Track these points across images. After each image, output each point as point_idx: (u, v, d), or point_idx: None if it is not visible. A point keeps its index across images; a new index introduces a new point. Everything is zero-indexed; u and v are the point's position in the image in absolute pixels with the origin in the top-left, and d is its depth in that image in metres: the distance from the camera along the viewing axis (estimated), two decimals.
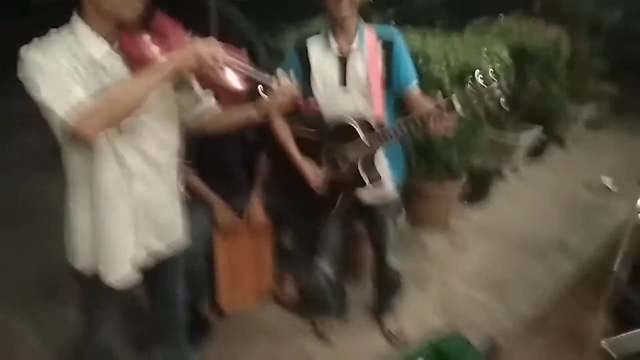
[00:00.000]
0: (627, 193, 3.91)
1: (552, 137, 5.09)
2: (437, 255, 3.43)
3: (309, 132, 2.24)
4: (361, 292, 2.89)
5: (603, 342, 2.47)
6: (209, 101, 1.74)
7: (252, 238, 2.70)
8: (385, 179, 2.21)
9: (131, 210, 1.60)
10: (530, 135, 4.52)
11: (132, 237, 1.63)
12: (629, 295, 2.66)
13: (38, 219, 3.43)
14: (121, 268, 1.62)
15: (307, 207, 2.38)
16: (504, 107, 1.77)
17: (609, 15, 5.26)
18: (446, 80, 2.83)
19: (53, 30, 1.44)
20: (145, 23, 1.52)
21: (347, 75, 2.09)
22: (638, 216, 2.70)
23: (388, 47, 2.08)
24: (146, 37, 1.50)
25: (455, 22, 4.00)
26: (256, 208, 2.63)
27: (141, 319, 2.06)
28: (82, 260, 1.63)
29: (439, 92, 1.87)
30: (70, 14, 1.45)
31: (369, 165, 2.13)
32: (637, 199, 2.75)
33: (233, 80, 1.56)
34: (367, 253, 2.68)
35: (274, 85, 1.66)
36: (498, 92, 1.75)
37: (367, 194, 2.25)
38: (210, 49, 1.44)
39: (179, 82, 1.61)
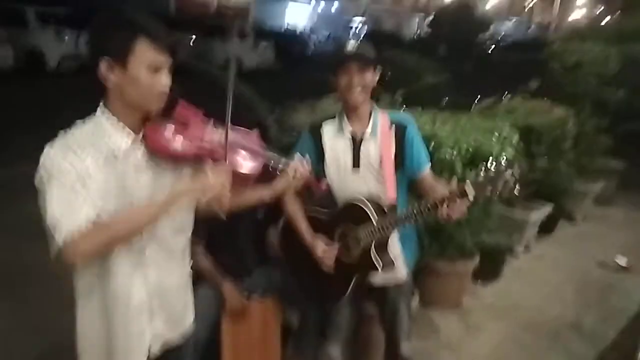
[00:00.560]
0: None
1: (562, 213, 5.09)
2: (450, 337, 3.33)
3: (322, 212, 2.25)
4: None
5: None
6: None
7: (259, 320, 2.63)
8: (397, 262, 2.19)
9: (146, 299, 1.58)
10: (540, 213, 4.51)
11: (148, 327, 1.59)
12: None
13: (37, 288, 3.38)
14: None
15: (318, 289, 2.34)
16: (517, 194, 1.78)
17: (612, 93, 5.41)
18: (458, 165, 2.86)
19: (78, 121, 1.48)
20: (168, 111, 1.57)
21: (360, 158, 2.12)
22: None
23: (401, 132, 2.11)
24: (170, 128, 1.52)
25: (461, 102, 4.12)
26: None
27: None
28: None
29: (454, 178, 1.88)
30: (85, 80, 1.49)
31: (382, 249, 2.11)
32: None
33: (246, 165, 1.59)
34: (379, 335, 2.60)
35: (287, 169, 1.69)
36: (512, 180, 1.76)
37: (378, 276, 2.21)
38: (219, 178, 1.46)
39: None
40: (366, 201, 2.07)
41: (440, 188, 1.95)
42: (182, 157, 1.52)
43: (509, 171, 1.76)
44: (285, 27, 30.49)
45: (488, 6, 39.33)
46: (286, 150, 2.72)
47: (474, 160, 2.87)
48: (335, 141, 2.16)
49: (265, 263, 2.70)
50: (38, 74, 12.55)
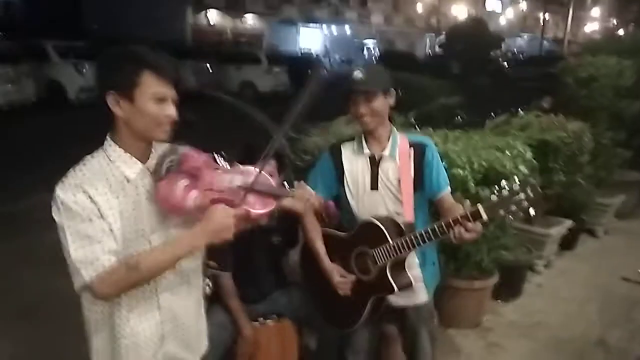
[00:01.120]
0: None
1: (584, 228, 5.01)
2: (471, 357, 3.28)
3: (340, 234, 2.26)
4: None
5: None
6: None
7: (276, 343, 2.58)
8: (416, 284, 2.17)
9: (159, 323, 1.61)
10: (561, 228, 4.46)
11: (159, 350, 1.62)
12: None
13: (52, 315, 3.43)
14: None
15: (335, 311, 2.34)
16: (533, 214, 1.77)
17: (629, 105, 5.37)
18: (471, 183, 2.85)
19: (87, 157, 1.52)
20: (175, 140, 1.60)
21: (378, 179, 2.13)
22: None
23: (420, 153, 2.12)
24: (181, 184, 1.51)
25: (474, 120, 4.12)
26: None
27: None
28: None
29: (467, 202, 1.88)
30: (102, 111, 1.51)
31: (399, 270, 2.10)
32: None
33: (257, 206, 1.57)
34: (401, 357, 2.57)
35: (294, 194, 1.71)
36: (526, 201, 1.75)
37: (397, 298, 2.20)
38: (228, 218, 1.48)
39: None
40: (383, 221, 2.08)
41: (458, 210, 1.94)
42: (196, 210, 1.52)
43: (522, 193, 1.75)
44: (299, 51, 30.89)
45: (501, 22, 39.40)
46: (301, 174, 2.77)
47: (487, 177, 2.87)
48: (354, 162, 2.18)
49: (282, 286, 2.70)
50: (58, 106, 12.88)
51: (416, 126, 3.94)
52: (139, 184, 1.53)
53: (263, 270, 2.62)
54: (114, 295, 1.47)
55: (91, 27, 21.73)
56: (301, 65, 20.35)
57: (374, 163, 2.13)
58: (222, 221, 1.47)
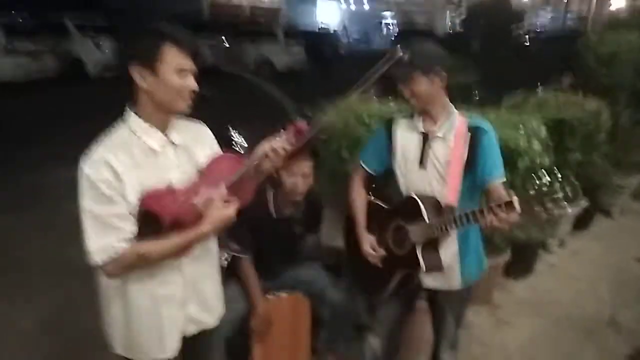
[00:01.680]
0: None
1: (599, 208, 4.97)
2: (481, 332, 3.33)
3: (383, 205, 2.30)
4: None
5: None
6: None
7: (288, 314, 2.69)
8: (450, 267, 2.16)
9: (182, 286, 1.70)
10: (575, 208, 4.43)
11: (182, 312, 1.72)
12: None
13: (78, 281, 3.52)
14: (170, 345, 1.72)
15: (364, 279, 2.39)
16: (568, 212, 1.73)
17: None
18: None
19: (110, 129, 1.59)
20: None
21: (427, 156, 2.10)
22: None
23: (477, 137, 2.05)
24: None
25: (491, 97, 4.08)
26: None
27: None
28: (120, 346, 1.74)
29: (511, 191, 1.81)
30: (122, 86, 1.60)
31: (431, 251, 2.08)
32: None
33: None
34: (427, 336, 2.60)
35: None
36: (563, 202, 1.70)
37: (428, 278, 2.21)
38: (225, 210, 1.60)
39: None
40: (423, 199, 2.07)
41: (502, 199, 1.91)
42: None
43: (561, 192, 1.71)
44: (316, 26, 30.57)
45: None
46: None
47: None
48: (406, 137, 2.17)
49: (296, 264, 2.76)
50: (79, 82, 13.03)
51: None
52: (161, 153, 1.60)
53: (281, 256, 2.68)
54: (122, 275, 1.58)
55: (112, 4, 21.75)
56: (319, 42, 20.16)
57: (426, 141, 2.11)
58: (221, 214, 1.59)
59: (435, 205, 2.06)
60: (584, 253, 4.51)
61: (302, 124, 1.72)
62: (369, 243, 2.25)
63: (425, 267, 2.06)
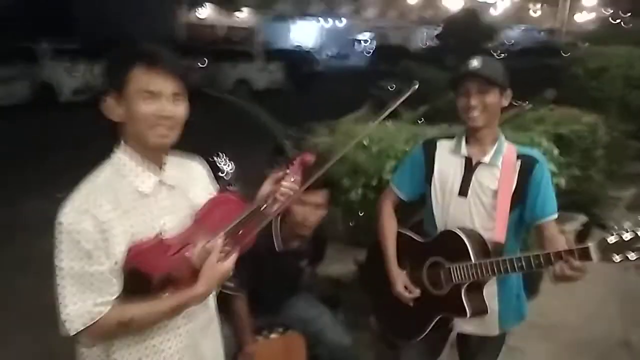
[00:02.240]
0: None
1: (595, 222, 4.88)
2: None
3: (416, 237, 2.06)
4: None
5: None
6: None
7: (282, 356, 2.47)
8: (491, 316, 1.95)
9: (175, 349, 1.47)
10: (575, 224, 4.33)
11: None
12: None
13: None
14: None
15: (394, 321, 2.15)
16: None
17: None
18: None
19: (95, 172, 1.37)
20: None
21: (470, 185, 1.90)
22: None
23: (528, 168, 1.86)
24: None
25: None
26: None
27: None
28: None
29: (568, 234, 1.67)
30: (97, 112, 1.38)
31: (476, 294, 1.87)
32: None
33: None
34: None
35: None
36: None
37: (464, 322, 1.99)
38: (221, 266, 1.38)
39: None
40: (468, 235, 1.85)
41: (560, 241, 1.75)
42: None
43: None
44: (293, 45, 30.69)
45: (496, 13, 39.30)
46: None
47: None
48: (447, 162, 1.96)
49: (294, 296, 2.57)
50: (50, 108, 12.66)
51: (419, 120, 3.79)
52: (151, 200, 1.38)
53: (280, 292, 2.49)
54: (98, 343, 1.35)
55: (83, 28, 21.49)
56: (296, 60, 20.14)
57: (470, 167, 1.90)
58: (217, 272, 1.38)
59: (481, 243, 1.85)
60: (587, 270, 4.37)
61: (308, 155, 1.57)
62: (402, 282, 2.01)
63: (471, 312, 1.84)
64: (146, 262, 1.31)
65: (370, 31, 39.15)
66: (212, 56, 17.51)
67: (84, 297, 1.26)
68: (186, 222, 1.43)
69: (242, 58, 17.75)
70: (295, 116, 3.78)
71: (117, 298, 1.31)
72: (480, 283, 1.86)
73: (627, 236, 1.53)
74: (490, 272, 1.77)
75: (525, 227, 1.93)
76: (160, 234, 1.36)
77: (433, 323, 1.97)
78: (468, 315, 1.85)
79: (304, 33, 36.07)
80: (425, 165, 2.01)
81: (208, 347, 1.58)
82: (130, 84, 1.29)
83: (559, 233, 1.84)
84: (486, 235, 1.87)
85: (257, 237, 1.50)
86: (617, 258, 1.55)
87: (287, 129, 4.04)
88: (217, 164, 3.33)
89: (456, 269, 1.84)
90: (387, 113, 1.67)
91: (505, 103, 1.88)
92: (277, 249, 2.31)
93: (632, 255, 1.53)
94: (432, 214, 2.01)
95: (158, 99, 1.31)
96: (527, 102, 4.73)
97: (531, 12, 43.74)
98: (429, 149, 2.02)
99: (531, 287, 3.82)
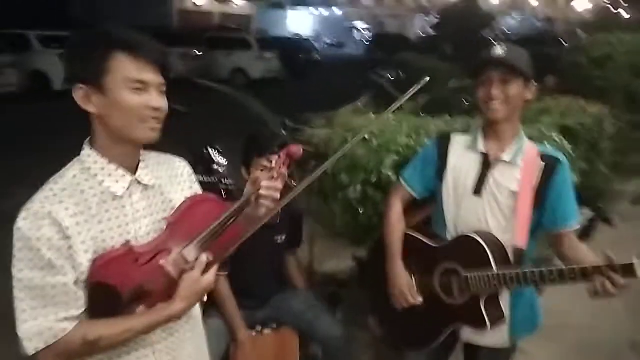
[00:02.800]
0: None
1: (600, 216, 4.76)
2: None
3: (428, 241, 1.90)
4: None
5: None
6: None
7: (274, 354, 2.36)
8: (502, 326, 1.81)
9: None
10: (581, 219, 4.21)
11: None
12: None
13: None
14: None
15: (402, 328, 1.99)
16: None
17: None
18: None
19: (61, 170, 1.22)
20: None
21: (485, 183, 1.76)
22: None
23: (550, 170, 1.73)
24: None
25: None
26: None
27: None
28: None
29: (610, 256, 1.51)
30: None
31: (493, 302, 1.72)
32: None
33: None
34: None
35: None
36: None
37: (468, 331, 1.85)
38: (201, 281, 1.24)
39: None
40: (487, 241, 1.69)
41: (584, 251, 1.63)
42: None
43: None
44: (289, 33, 30.43)
45: (494, 1, 39.04)
46: (304, 166, 2.48)
47: None
48: (462, 157, 1.81)
49: (284, 290, 2.48)
50: (44, 97, 12.44)
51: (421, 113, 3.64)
52: (125, 202, 1.23)
53: (263, 272, 2.38)
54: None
55: (75, 15, 21.21)
56: (292, 49, 19.94)
57: (486, 164, 1.76)
58: (197, 287, 1.23)
59: (500, 249, 1.70)
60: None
61: (294, 147, 1.42)
62: (406, 284, 1.86)
63: (490, 323, 1.70)
64: (113, 274, 1.16)
65: (366, 19, 38.83)
66: (208, 44, 17.28)
67: (45, 312, 1.12)
68: (161, 230, 1.29)
69: (238, 46, 17.52)
70: (292, 106, 3.62)
71: (83, 313, 1.16)
72: (498, 292, 1.72)
73: None
74: (515, 284, 1.63)
75: (541, 234, 1.80)
76: (129, 241, 1.21)
77: (446, 333, 1.83)
78: (488, 327, 1.71)
79: (301, 21, 35.73)
80: (438, 160, 1.86)
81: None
82: (111, 73, 1.15)
83: (581, 244, 1.72)
84: (502, 239, 1.73)
85: None
86: None
87: (283, 119, 3.89)
88: (211, 156, 3.19)
89: (475, 278, 1.69)
90: (395, 106, 1.54)
91: (529, 96, 1.74)
92: None
93: None
94: (442, 214, 1.86)
95: (147, 89, 1.18)
96: None
97: (530, 0, 43.48)
98: (443, 143, 1.88)
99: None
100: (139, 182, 1.26)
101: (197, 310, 1.46)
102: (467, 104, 4.87)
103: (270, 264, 2.41)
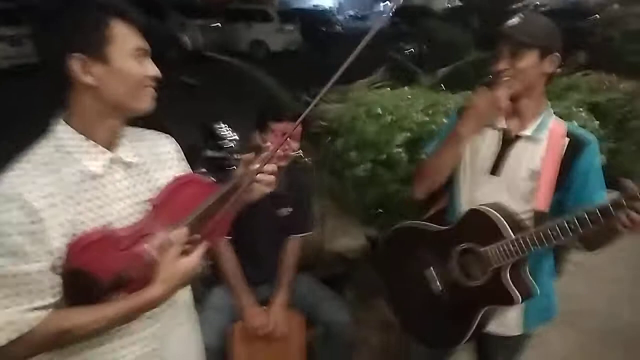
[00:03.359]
0: None
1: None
2: None
3: (434, 227, 1.79)
4: None
5: None
6: None
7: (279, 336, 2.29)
8: (516, 310, 1.71)
9: (141, 352, 1.26)
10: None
11: None
12: None
13: None
14: None
15: (431, 327, 1.83)
16: None
17: None
18: None
19: (34, 149, 1.13)
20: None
21: (504, 163, 1.64)
22: None
23: (576, 150, 1.59)
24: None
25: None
26: (278, 313, 2.24)
27: None
28: None
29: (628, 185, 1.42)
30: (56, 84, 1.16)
31: (518, 274, 1.60)
32: None
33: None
34: None
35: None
36: None
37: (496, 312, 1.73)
38: (184, 263, 1.16)
39: None
40: (497, 209, 1.59)
41: (605, 232, 1.50)
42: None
43: None
44: (311, 5, 29.93)
45: None
46: (317, 142, 2.38)
47: None
48: (481, 134, 1.69)
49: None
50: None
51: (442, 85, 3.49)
52: (105, 181, 1.14)
53: (268, 246, 2.30)
54: (33, 356, 1.11)
55: None
56: (314, 21, 19.60)
57: (507, 141, 1.64)
58: (178, 270, 1.15)
59: (512, 214, 1.59)
60: (613, 250, 4.04)
61: (286, 125, 1.43)
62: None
63: (518, 296, 1.57)
64: (92, 259, 1.08)
65: None
66: (228, 16, 17.07)
67: (17, 301, 1.05)
68: (145, 212, 1.20)
69: (258, 18, 17.26)
70: (312, 79, 3.50)
71: (59, 301, 1.09)
72: (520, 263, 1.59)
73: None
74: (538, 245, 1.49)
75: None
76: (111, 223, 1.13)
77: (477, 320, 1.68)
78: (519, 301, 1.58)
79: None
80: None
81: (180, 350, 1.36)
82: (114, 41, 1.10)
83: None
84: (517, 213, 1.61)
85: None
86: None
87: (299, 93, 3.77)
88: (221, 131, 3.11)
89: (493, 250, 1.57)
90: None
91: (550, 69, 1.59)
92: None
93: None
94: (458, 197, 1.74)
95: (145, 58, 1.16)
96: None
97: None
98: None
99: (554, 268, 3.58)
100: (120, 160, 1.18)
101: (184, 295, 1.39)
102: (490, 78, 4.70)
103: (274, 238, 2.32)
